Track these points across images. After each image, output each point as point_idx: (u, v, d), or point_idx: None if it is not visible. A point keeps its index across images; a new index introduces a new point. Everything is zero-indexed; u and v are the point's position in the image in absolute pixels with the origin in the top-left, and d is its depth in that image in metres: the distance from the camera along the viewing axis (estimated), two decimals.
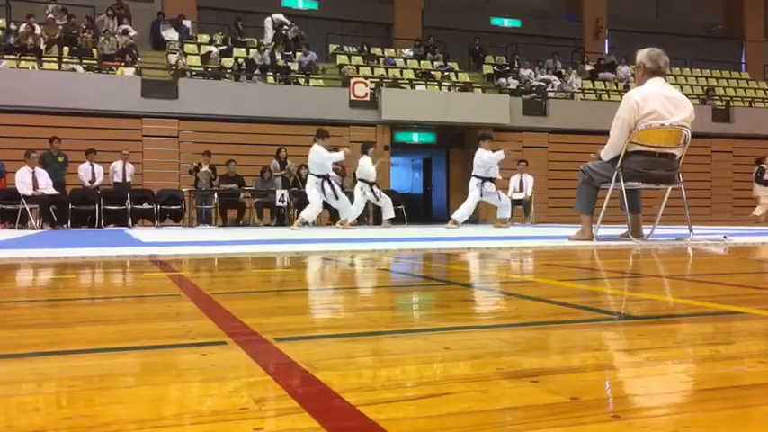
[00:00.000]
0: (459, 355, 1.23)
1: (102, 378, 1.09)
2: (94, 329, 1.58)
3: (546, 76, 19.09)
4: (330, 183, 9.61)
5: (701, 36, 23.90)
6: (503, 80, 18.60)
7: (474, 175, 10.25)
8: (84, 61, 15.06)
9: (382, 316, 1.83)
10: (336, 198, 9.68)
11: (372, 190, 10.61)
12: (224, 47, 16.92)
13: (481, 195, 10.18)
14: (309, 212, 9.67)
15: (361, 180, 10.61)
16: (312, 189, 9.66)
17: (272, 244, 5.34)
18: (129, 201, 12.49)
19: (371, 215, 13.62)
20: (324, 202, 9.74)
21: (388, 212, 10.94)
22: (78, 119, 14.09)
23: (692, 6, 24.37)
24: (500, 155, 10.04)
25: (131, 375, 1.14)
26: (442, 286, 2.65)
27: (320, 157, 9.47)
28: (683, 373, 1.12)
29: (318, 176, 9.55)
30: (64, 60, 14.92)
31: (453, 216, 10.21)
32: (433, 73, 18.50)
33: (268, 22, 17.83)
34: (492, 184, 10.21)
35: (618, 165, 5.07)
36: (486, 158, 10.04)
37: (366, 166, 10.51)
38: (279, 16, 18.05)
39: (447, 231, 8.57)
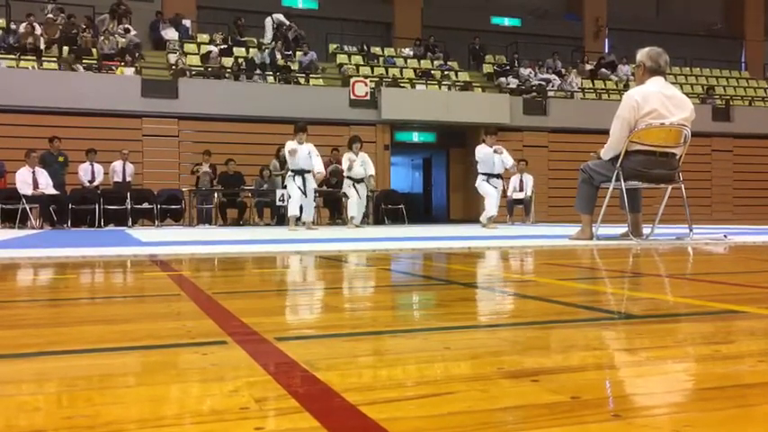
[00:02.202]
0: (460, 355, 1.23)
1: (102, 378, 1.09)
2: (95, 329, 1.58)
3: (546, 76, 19.09)
4: (303, 178, 9.30)
5: (701, 35, 23.90)
6: (503, 79, 18.60)
7: (479, 173, 9.81)
8: (84, 61, 15.06)
9: (383, 315, 1.83)
10: (305, 195, 9.40)
11: (355, 187, 10.38)
12: (224, 46, 16.92)
13: (487, 182, 9.61)
14: (290, 206, 9.48)
15: (348, 177, 10.47)
16: (287, 183, 9.62)
17: (273, 244, 5.34)
18: (129, 200, 12.49)
19: (371, 214, 13.60)
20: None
21: (353, 213, 10.59)
22: (78, 118, 14.10)
23: (692, 5, 24.38)
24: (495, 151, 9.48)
25: (132, 375, 1.14)
26: (443, 286, 2.65)
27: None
28: (683, 372, 1.12)
29: (292, 171, 9.36)
30: (63, 60, 14.92)
31: (481, 219, 9.68)
32: (433, 72, 18.50)
33: (268, 21, 17.84)
34: (497, 181, 9.66)
35: (618, 164, 5.07)
36: (481, 155, 9.60)
37: (347, 162, 10.35)
38: (278, 16, 18.05)
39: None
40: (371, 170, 10.56)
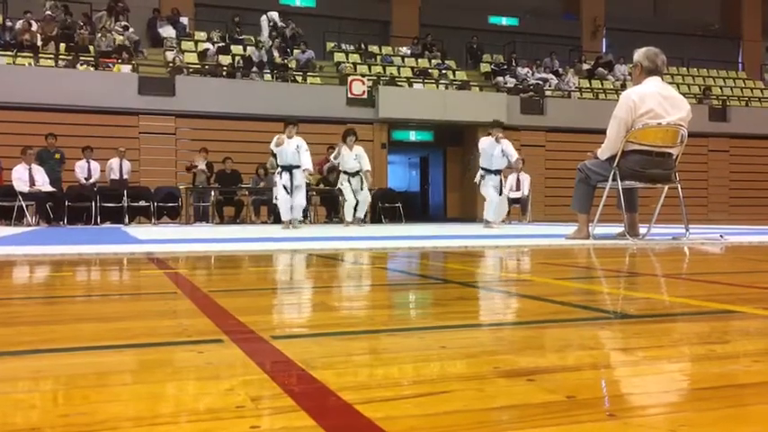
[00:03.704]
0: (456, 354, 1.23)
1: (98, 375, 1.09)
2: (91, 327, 1.58)
3: (543, 75, 19.10)
4: (291, 174, 9.06)
5: (698, 35, 23.94)
6: (500, 78, 18.60)
7: (480, 166, 9.47)
8: (80, 58, 15.03)
9: (379, 314, 1.83)
10: (290, 193, 9.17)
11: (350, 181, 10.15)
12: (221, 44, 16.89)
13: (481, 181, 9.36)
14: (280, 208, 9.29)
15: (343, 172, 10.22)
16: (275, 180, 9.41)
17: (269, 242, 5.34)
18: (125, 198, 12.47)
19: (369, 213, 13.58)
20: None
21: (360, 210, 10.39)
22: (75, 115, 14.07)
23: (690, 6, 24.40)
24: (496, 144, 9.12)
25: (128, 373, 1.14)
26: (439, 285, 2.65)
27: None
28: (678, 372, 1.12)
29: (280, 166, 9.17)
30: (61, 57, 14.89)
31: (485, 218, 9.49)
32: (430, 71, 18.50)
33: (263, 19, 17.76)
34: (495, 177, 9.31)
35: (615, 164, 5.08)
36: (483, 146, 9.27)
37: (340, 155, 10.09)
38: (273, 14, 17.97)
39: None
40: (367, 165, 10.30)
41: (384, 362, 1.18)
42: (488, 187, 9.35)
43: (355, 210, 10.47)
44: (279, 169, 9.22)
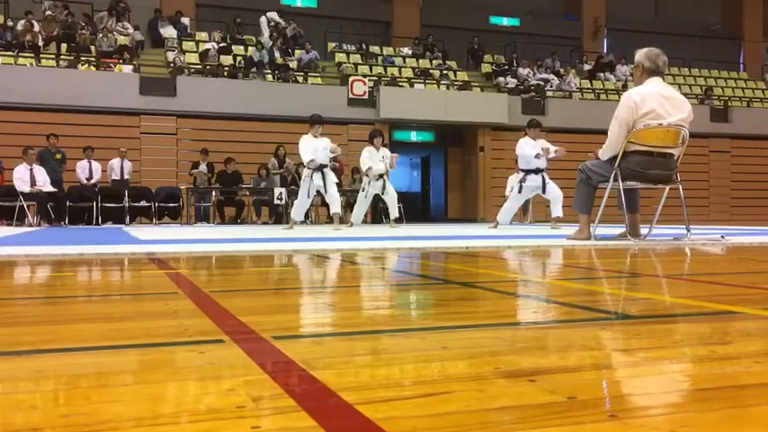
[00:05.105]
0: (457, 354, 1.23)
1: (99, 376, 1.09)
2: (92, 327, 1.58)
3: (544, 76, 19.10)
4: (323, 174, 8.78)
5: (699, 36, 23.95)
6: (501, 79, 18.60)
7: (518, 170, 9.05)
8: (82, 58, 15.05)
9: (380, 315, 1.83)
10: (326, 191, 8.92)
11: (372, 185, 9.60)
12: (223, 44, 16.91)
13: (520, 191, 9.11)
14: (295, 209, 9.09)
15: (366, 175, 9.67)
16: (302, 182, 9.06)
17: (270, 242, 5.34)
18: (126, 198, 12.48)
19: (370, 213, 13.57)
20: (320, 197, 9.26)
21: (392, 211, 10.00)
22: (76, 116, 14.09)
23: (691, 6, 24.40)
24: (544, 149, 8.82)
25: (129, 373, 1.14)
26: (440, 285, 2.65)
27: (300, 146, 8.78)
28: (679, 372, 1.12)
29: (309, 168, 8.81)
30: (62, 57, 14.91)
31: (497, 217, 9.30)
32: (431, 71, 18.51)
33: (263, 20, 17.77)
34: (536, 177, 8.97)
35: (616, 164, 5.08)
36: (519, 149, 8.97)
37: (367, 157, 9.52)
38: (272, 15, 17.96)
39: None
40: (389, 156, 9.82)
41: (385, 362, 1.18)
42: (515, 190, 9.13)
43: (383, 212, 9.85)
44: (308, 172, 8.83)
